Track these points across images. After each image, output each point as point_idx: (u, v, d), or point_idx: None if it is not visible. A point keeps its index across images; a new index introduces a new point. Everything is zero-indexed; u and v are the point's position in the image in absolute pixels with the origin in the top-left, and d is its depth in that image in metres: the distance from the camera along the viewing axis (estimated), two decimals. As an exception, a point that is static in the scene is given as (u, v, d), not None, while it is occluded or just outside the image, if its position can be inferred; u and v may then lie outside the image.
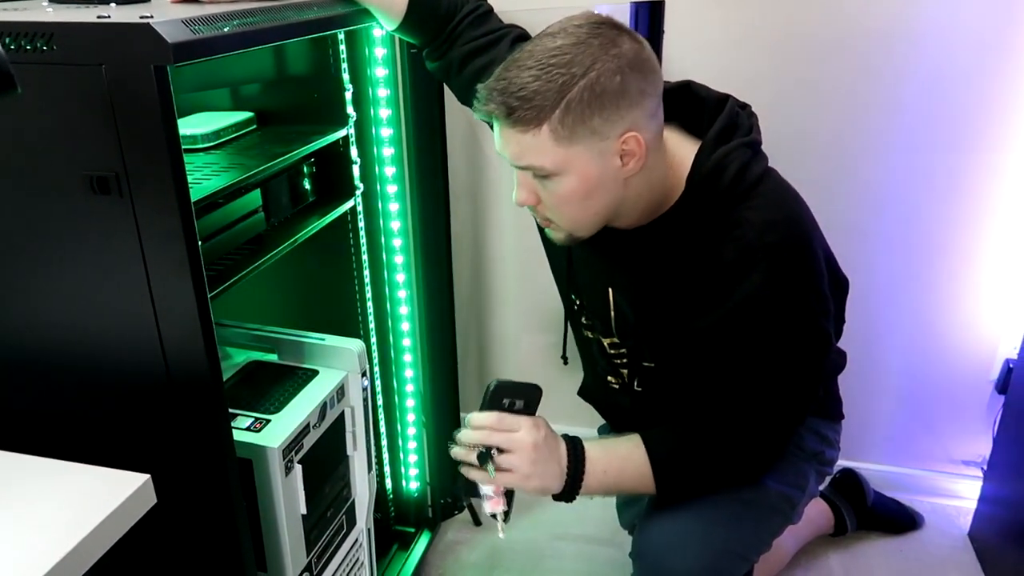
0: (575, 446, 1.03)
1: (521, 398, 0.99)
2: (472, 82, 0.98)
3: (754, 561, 1.15)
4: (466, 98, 1.09)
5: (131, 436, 0.93)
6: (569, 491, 1.02)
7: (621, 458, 1.04)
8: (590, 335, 1.18)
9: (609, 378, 1.19)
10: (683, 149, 0.98)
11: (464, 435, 0.98)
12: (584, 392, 1.31)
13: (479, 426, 0.98)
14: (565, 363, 1.26)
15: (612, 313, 1.10)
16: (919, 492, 1.76)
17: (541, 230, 1.06)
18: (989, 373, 1.64)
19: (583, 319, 1.18)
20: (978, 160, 1.49)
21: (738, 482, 1.09)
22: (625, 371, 1.15)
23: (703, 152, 0.95)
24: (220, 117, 1.20)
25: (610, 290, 1.09)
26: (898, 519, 1.70)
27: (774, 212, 0.94)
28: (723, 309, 0.94)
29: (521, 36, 1.12)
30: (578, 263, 1.14)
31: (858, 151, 1.53)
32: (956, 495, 1.75)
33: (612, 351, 1.15)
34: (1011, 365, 1.59)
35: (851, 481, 1.68)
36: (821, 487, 1.33)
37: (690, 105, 1.01)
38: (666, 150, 0.97)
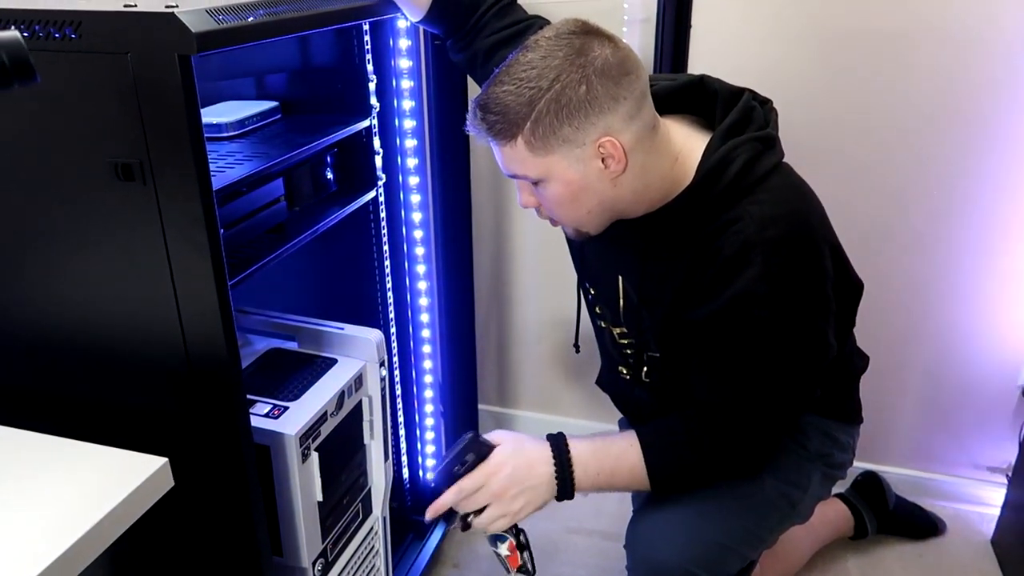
0: (560, 450, 1.02)
1: (467, 456, 1.01)
2: None
3: (751, 557, 1.15)
4: None
5: (150, 420, 0.95)
6: (562, 495, 1.03)
7: (614, 458, 1.04)
8: (603, 324, 1.19)
9: (620, 368, 1.19)
10: (693, 142, 0.98)
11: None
12: (600, 382, 1.31)
13: (443, 506, 1.02)
14: (577, 351, 1.26)
15: (621, 302, 1.10)
16: (942, 497, 1.74)
17: None
18: (1016, 378, 1.61)
19: (596, 309, 1.18)
20: (1006, 161, 1.46)
21: (730, 476, 1.09)
22: (633, 361, 1.15)
23: (710, 145, 0.95)
24: (245, 106, 1.21)
25: (620, 278, 1.09)
26: (919, 524, 1.67)
27: (778, 207, 0.94)
28: (718, 302, 0.94)
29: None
30: (591, 252, 1.15)
31: (885, 149, 1.51)
32: (980, 501, 1.72)
33: (621, 341, 1.15)
34: (1040, 371, 1.56)
35: (872, 484, 1.66)
36: (837, 490, 1.32)
37: (707, 99, 1.01)
38: (669, 145, 0.97)
